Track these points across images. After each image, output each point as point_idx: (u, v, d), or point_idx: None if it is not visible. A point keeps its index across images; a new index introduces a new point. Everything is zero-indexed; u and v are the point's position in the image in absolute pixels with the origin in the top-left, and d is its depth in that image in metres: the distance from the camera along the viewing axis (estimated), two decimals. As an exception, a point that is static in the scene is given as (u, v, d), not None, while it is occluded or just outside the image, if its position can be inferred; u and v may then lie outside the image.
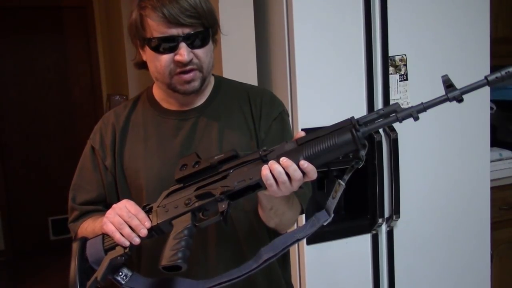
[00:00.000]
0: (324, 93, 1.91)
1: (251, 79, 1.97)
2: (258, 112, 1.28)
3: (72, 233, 1.31)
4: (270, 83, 2.03)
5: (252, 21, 1.97)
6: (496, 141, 2.81)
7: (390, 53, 1.98)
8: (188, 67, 1.16)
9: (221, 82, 1.34)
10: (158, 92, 1.31)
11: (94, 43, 4.80)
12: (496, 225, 2.45)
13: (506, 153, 2.67)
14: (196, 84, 1.19)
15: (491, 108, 2.39)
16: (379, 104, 1.98)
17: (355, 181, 2.02)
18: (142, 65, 1.27)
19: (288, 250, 1.36)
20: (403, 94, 2.01)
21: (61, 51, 4.81)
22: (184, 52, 1.14)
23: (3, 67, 4.66)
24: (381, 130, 1.97)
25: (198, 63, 1.17)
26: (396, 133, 1.98)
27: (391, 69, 1.99)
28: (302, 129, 1.89)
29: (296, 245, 1.94)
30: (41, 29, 4.71)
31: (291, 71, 1.89)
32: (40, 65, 4.75)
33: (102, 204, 1.30)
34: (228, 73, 1.91)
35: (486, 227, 2.25)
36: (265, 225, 1.26)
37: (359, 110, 1.95)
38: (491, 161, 2.33)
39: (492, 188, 2.27)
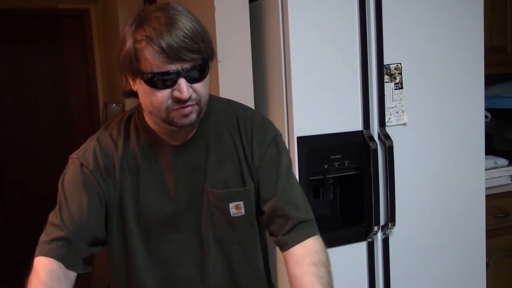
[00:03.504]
0: (319, 101, 1.91)
1: (247, 86, 1.98)
2: (249, 140, 1.26)
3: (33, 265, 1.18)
4: (266, 91, 2.04)
5: (248, 28, 1.98)
6: (491, 149, 2.82)
7: (385, 62, 1.99)
8: (187, 104, 1.11)
9: (210, 106, 1.26)
10: (150, 121, 1.23)
11: (91, 52, 4.81)
12: (491, 233, 2.46)
13: (501, 161, 2.68)
14: (193, 116, 1.14)
15: (486, 117, 2.40)
16: (374, 112, 1.99)
17: (350, 189, 2.04)
18: (131, 94, 1.18)
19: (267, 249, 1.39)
20: (398, 102, 2.02)
21: (58, 59, 4.81)
22: (184, 89, 1.08)
23: (-1, 75, 4.66)
24: (376, 138, 1.98)
25: (196, 98, 1.12)
26: (391, 141, 1.98)
27: (386, 77, 2.00)
28: (298, 137, 1.90)
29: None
30: (38, 37, 4.72)
31: (287, 79, 1.90)
32: (37, 73, 4.75)
33: (84, 239, 1.20)
34: (224, 80, 1.92)
35: (482, 235, 2.26)
36: (261, 258, 1.30)
37: (355, 118, 1.96)
38: (486, 169, 2.34)
39: (487, 196, 2.27)
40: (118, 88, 3.88)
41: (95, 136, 1.28)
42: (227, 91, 1.92)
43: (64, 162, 1.28)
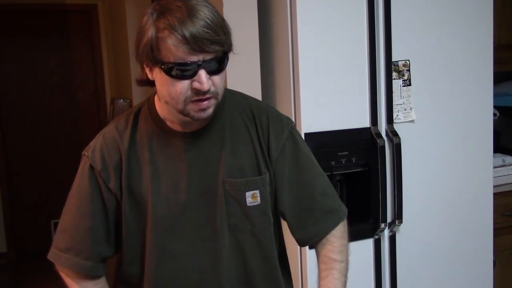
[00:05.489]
0: (327, 97, 1.91)
1: (254, 81, 1.98)
2: (266, 133, 1.26)
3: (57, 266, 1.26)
4: (274, 87, 2.04)
5: (256, 25, 1.98)
6: (499, 147, 2.81)
7: (394, 58, 1.99)
8: (206, 96, 1.11)
9: (224, 98, 1.25)
10: (162, 110, 1.22)
11: (99, 47, 4.83)
12: (498, 231, 2.45)
13: (509, 159, 2.67)
14: (210, 111, 1.14)
15: (494, 114, 2.39)
16: (382, 109, 1.98)
17: (357, 186, 2.04)
18: (146, 83, 1.18)
19: (287, 259, 1.41)
20: (406, 99, 2.02)
21: (65, 55, 4.83)
22: (204, 80, 1.07)
23: (7, 70, 4.68)
24: (384, 135, 1.98)
25: (214, 91, 1.12)
26: (399, 138, 1.98)
27: (394, 74, 1.99)
28: (305, 133, 1.90)
29: (298, 249, 1.94)
30: (46, 32, 4.73)
31: (295, 75, 1.89)
32: (44, 69, 4.77)
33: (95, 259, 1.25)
34: (232, 76, 1.91)
35: (489, 233, 2.25)
36: (275, 250, 1.31)
37: (362, 115, 1.95)
38: (494, 167, 2.33)
39: (494, 194, 2.27)
40: (125, 83, 3.89)
41: (102, 131, 1.27)
42: (234, 87, 1.91)
43: (71, 157, 1.27)
